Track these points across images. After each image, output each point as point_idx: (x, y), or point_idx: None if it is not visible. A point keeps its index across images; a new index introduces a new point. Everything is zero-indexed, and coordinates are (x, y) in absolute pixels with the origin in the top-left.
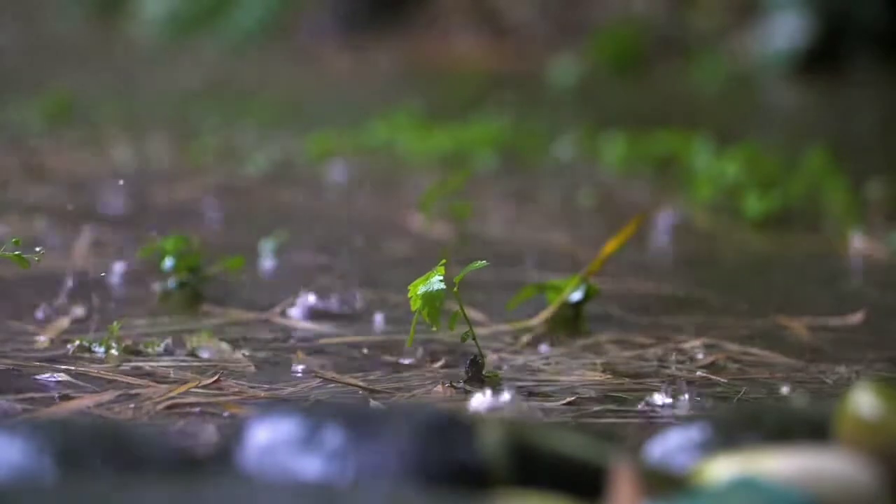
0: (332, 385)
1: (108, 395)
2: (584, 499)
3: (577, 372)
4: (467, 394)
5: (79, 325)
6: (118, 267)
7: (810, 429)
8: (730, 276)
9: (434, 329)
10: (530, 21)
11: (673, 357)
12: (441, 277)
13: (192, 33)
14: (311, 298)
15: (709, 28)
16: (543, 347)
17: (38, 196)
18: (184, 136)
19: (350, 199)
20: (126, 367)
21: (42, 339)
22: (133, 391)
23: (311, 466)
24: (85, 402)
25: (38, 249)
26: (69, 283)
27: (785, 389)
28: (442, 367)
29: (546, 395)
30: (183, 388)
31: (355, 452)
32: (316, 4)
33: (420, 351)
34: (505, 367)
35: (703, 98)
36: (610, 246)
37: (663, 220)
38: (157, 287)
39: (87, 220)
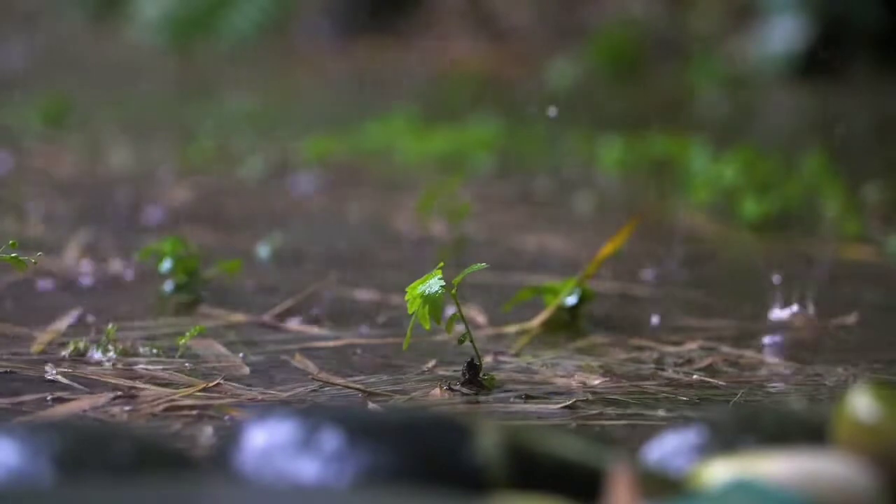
0: (329, 388)
1: (104, 398)
2: (581, 502)
3: (574, 375)
4: (465, 396)
5: (75, 328)
6: (115, 269)
7: (808, 431)
8: (727, 279)
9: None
10: (528, 24)
11: (670, 359)
12: (440, 279)
13: (188, 36)
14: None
15: (706, 31)
16: (540, 350)
17: (35, 198)
18: (181, 138)
19: (348, 202)
20: (123, 369)
21: (39, 342)
22: (130, 394)
23: (308, 469)
24: (81, 404)
25: (38, 254)
26: (66, 285)
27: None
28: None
29: (543, 398)
30: (180, 391)
31: (353, 455)
32: (312, 7)
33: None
34: (502, 370)
35: (700, 101)
36: (607, 249)
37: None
38: (154, 290)
39: (85, 223)
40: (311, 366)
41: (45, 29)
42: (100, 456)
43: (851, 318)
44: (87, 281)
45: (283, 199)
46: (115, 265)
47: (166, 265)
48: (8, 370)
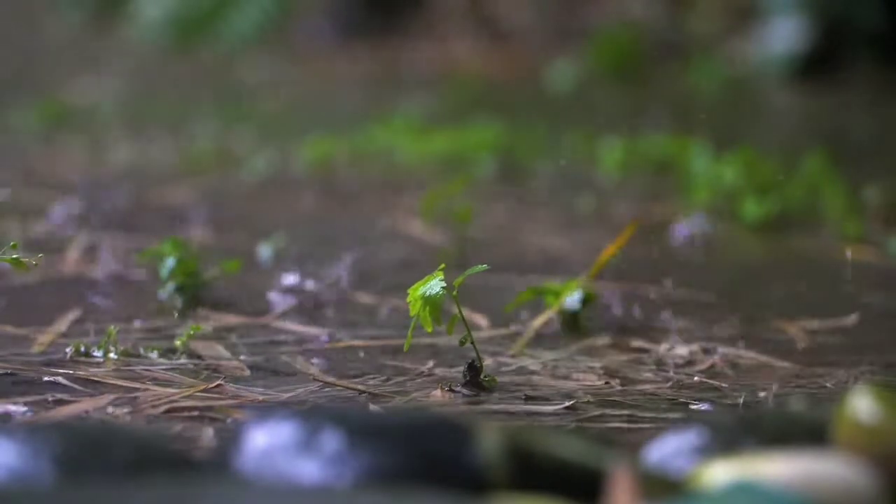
0: (329, 389)
1: (105, 399)
2: (582, 502)
3: (575, 376)
4: (465, 397)
5: (76, 329)
6: (116, 270)
7: (808, 433)
8: (728, 280)
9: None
10: (528, 25)
11: (671, 361)
12: (441, 281)
13: (189, 36)
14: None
15: (707, 32)
16: (541, 352)
17: (35, 200)
18: (182, 140)
19: (349, 204)
20: (124, 370)
21: (40, 343)
22: (131, 395)
23: (309, 470)
24: (82, 405)
25: (39, 255)
26: (66, 286)
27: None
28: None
29: (544, 399)
30: (181, 392)
31: (354, 456)
32: (313, 9)
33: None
34: (503, 371)
35: (701, 102)
36: (608, 250)
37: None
38: (155, 291)
39: (85, 224)
40: (312, 367)
41: (45, 28)
42: (101, 457)
43: (852, 320)
44: (87, 282)
45: (284, 200)
46: (116, 266)
47: (166, 266)
48: (9, 371)
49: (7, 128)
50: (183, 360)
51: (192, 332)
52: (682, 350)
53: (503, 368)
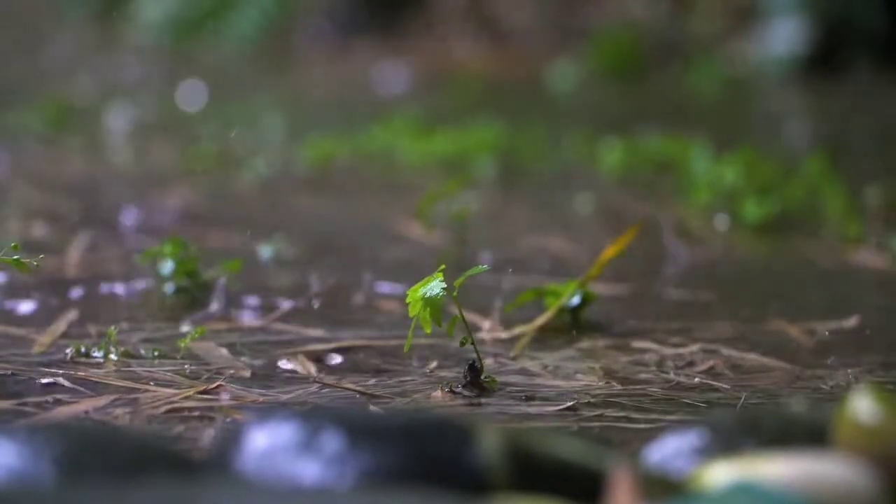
0: (329, 389)
1: (105, 400)
2: (582, 503)
3: (576, 377)
4: (466, 398)
5: (77, 330)
6: (116, 271)
7: (809, 433)
8: (728, 281)
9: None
10: (529, 26)
11: (671, 361)
12: (441, 282)
13: (190, 37)
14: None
15: (708, 33)
16: (541, 352)
17: (37, 201)
18: (183, 140)
19: (349, 205)
20: (124, 371)
21: (40, 344)
22: (131, 395)
23: (309, 471)
24: (83, 406)
25: (40, 256)
26: (67, 287)
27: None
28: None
29: (544, 400)
30: (181, 393)
31: (354, 457)
32: (314, 9)
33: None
34: (503, 372)
35: (701, 103)
36: (609, 252)
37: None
38: (155, 292)
39: (86, 225)
40: (312, 368)
41: (46, 29)
42: (101, 457)
43: (851, 322)
44: (87, 282)
45: (285, 201)
46: (117, 266)
47: (167, 267)
48: (10, 371)
49: (8, 128)
50: (183, 361)
51: (195, 335)
52: (683, 350)
53: (504, 369)
